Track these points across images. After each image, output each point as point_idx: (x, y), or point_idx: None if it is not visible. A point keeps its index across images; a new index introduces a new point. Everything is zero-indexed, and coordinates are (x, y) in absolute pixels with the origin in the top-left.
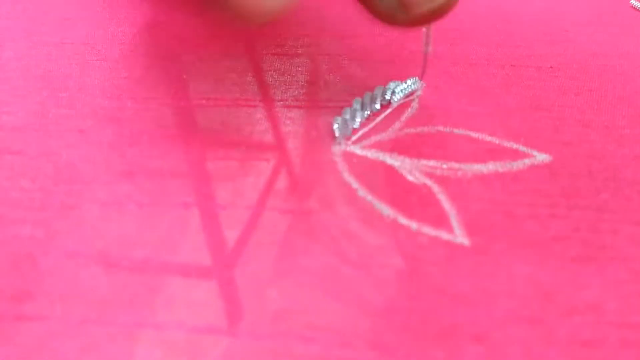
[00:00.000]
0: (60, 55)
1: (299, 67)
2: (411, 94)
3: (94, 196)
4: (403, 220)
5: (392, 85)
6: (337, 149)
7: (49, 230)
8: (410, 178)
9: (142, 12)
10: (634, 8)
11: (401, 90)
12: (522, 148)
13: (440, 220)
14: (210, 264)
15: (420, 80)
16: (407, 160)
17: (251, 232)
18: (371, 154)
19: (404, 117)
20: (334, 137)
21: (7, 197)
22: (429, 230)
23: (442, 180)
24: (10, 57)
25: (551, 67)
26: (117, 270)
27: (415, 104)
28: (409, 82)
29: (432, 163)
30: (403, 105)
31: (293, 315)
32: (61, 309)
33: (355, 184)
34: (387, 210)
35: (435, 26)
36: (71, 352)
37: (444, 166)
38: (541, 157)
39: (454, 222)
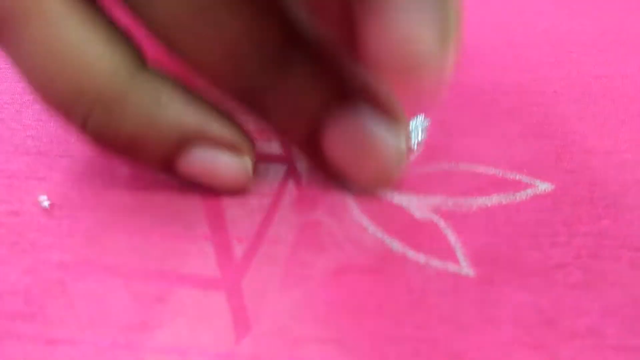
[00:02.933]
0: None
1: None
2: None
3: (120, 223)
4: (411, 254)
5: None
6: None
7: (77, 256)
8: (417, 215)
9: None
10: None
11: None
12: (525, 179)
13: (447, 253)
14: (225, 278)
15: (427, 119)
16: (414, 199)
17: (260, 245)
18: (380, 193)
19: (411, 159)
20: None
21: (36, 223)
22: (436, 263)
23: (448, 216)
24: None
25: (555, 91)
26: (143, 296)
27: (421, 146)
28: (417, 120)
29: (438, 200)
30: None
31: (305, 343)
32: (91, 334)
33: (365, 222)
34: (396, 245)
35: None
36: None
37: (449, 202)
38: (543, 187)
39: (460, 254)
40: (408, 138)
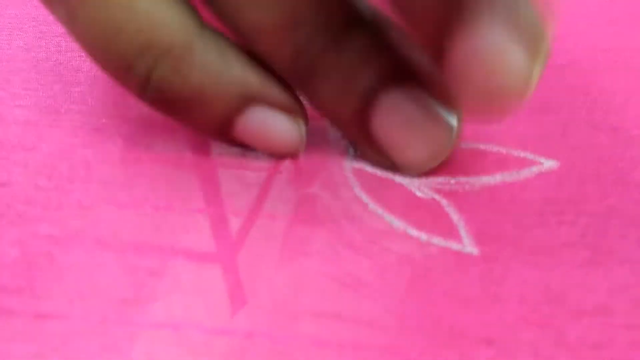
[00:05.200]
0: (70, 46)
1: None
2: None
3: (111, 196)
4: (413, 232)
5: None
6: (348, 164)
7: (66, 229)
8: (419, 194)
9: None
10: None
11: None
12: (530, 156)
13: (450, 231)
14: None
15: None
16: (416, 178)
17: (256, 219)
18: (381, 171)
19: None
20: (345, 152)
21: (24, 195)
22: (438, 240)
23: (450, 195)
24: (20, 46)
25: (561, 64)
26: (135, 269)
27: None
28: None
29: (440, 179)
30: None
31: (303, 319)
32: (80, 308)
33: (365, 199)
34: (397, 222)
35: None
36: (92, 351)
37: (452, 181)
38: (549, 164)
39: (463, 232)
40: (460, 120)
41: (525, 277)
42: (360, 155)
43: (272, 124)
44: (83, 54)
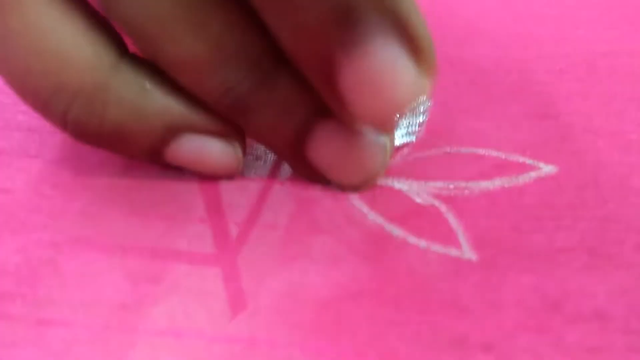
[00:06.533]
0: None
1: None
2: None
3: (115, 203)
4: (412, 240)
5: None
6: None
7: (70, 236)
8: (418, 200)
9: None
10: None
11: (409, 114)
12: (528, 161)
13: (448, 238)
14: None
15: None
16: (415, 184)
17: (256, 221)
18: (380, 179)
19: (412, 143)
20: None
21: (27, 202)
22: (437, 247)
23: (449, 200)
24: None
25: (560, 69)
26: (137, 275)
27: (422, 128)
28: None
29: (439, 184)
30: (411, 133)
31: (303, 326)
32: (84, 315)
33: (365, 209)
34: (396, 231)
35: (443, 26)
36: (93, 357)
37: (451, 186)
38: (547, 169)
39: (462, 238)
40: (392, 139)
41: (523, 283)
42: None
43: (204, 149)
44: None
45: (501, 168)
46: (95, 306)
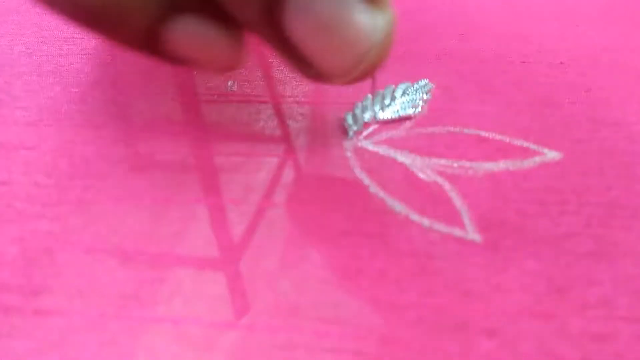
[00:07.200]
0: (71, 50)
1: None
2: (422, 95)
3: (110, 191)
4: (415, 217)
5: (402, 86)
6: (348, 144)
7: (66, 225)
8: (421, 176)
9: None
10: None
11: (412, 92)
12: (532, 146)
13: (452, 217)
14: (223, 256)
15: (431, 83)
16: (418, 159)
17: (258, 225)
18: (382, 150)
19: (414, 117)
20: (345, 132)
21: (24, 193)
22: (440, 227)
23: (453, 179)
24: (22, 51)
25: (562, 62)
26: (133, 264)
27: (425, 105)
28: (420, 83)
29: (443, 162)
30: (414, 106)
31: (304, 309)
32: (79, 304)
33: (367, 180)
34: (399, 206)
35: (444, 20)
36: (90, 346)
37: (455, 165)
38: (552, 155)
39: (466, 219)
40: (391, 24)
41: (528, 268)
42: (288, 67)
43: (201, 34)
44: (84, 57)
45: (505, 151)
46: (91, 295)
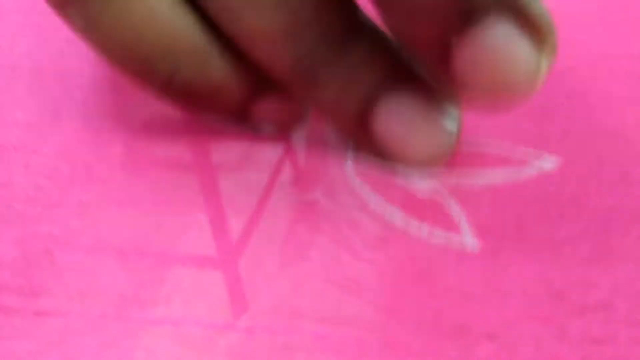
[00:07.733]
0: (72, 51)
1: None
2: None
3: (110, 193)
4: (414, 225)
5: None
6: (349, 162)
7: (66, 227)
8: (420, 183)
9: None
10: None
11: None
12: (530, 153)
13: (451, 226)
14: (223, 257)
15: None
16: (417, 172)
17: (258, 225)
18: (381, 167)
19: None
20: (347, 149)
21: (24, 195)
22: (440, 235)
23: (452, 189)
24: (22, 52)
25: (560, 71)
26: (133, 265)
27: None
28: None
29: (441, 174)
30: None
31: (304, 311)
32: (80, 305)
33: (366, 196)
34: (398, 217)
35: None
36: (91, 347)
37: (454, 176)
38: (550, 162)
39: (464, 227)
40: (460, 120)
41: (527, 273)
42: (360, 154)
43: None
44: (86, 59)
45: (504, 159)
46: (92, 297)
